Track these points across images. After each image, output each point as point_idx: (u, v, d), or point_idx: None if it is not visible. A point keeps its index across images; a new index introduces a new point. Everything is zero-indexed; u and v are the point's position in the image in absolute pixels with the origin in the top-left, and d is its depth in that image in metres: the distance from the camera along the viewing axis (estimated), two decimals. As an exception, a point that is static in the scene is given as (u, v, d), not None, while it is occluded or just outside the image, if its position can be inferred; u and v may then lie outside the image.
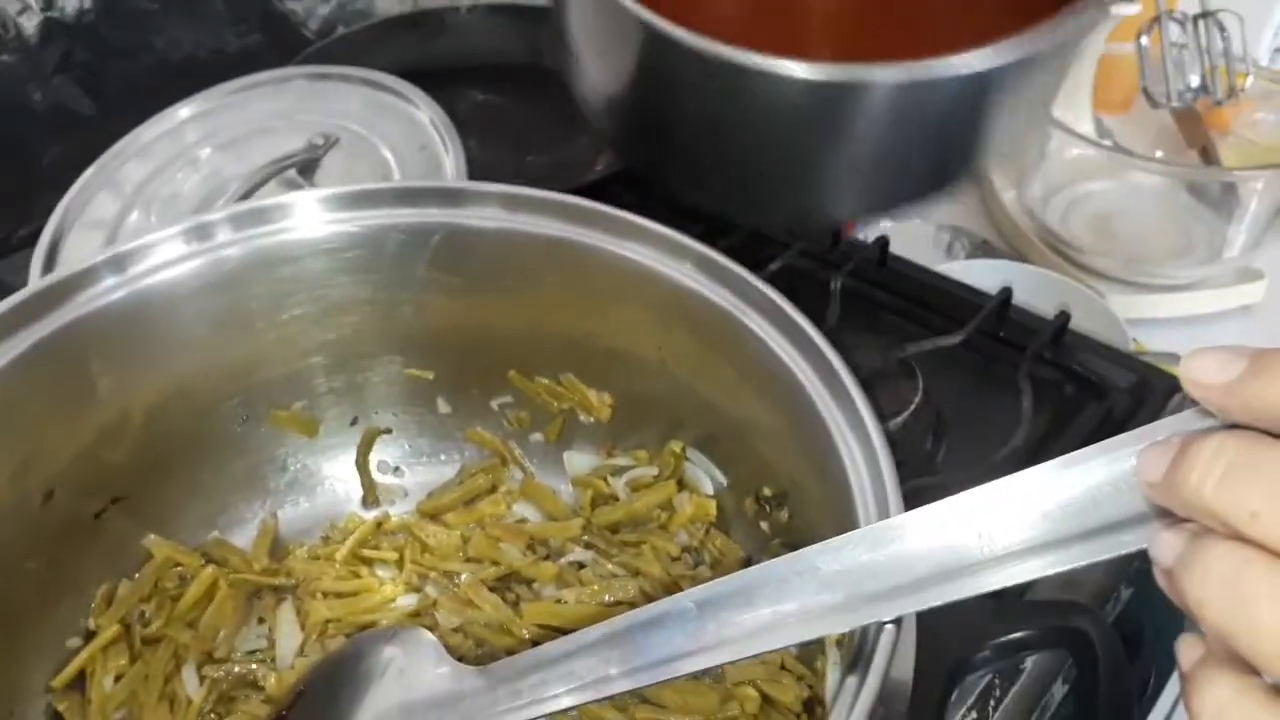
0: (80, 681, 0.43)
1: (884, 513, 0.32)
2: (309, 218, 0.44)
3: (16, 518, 0.40)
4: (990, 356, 0.62)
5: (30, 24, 0.73)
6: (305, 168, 0.67)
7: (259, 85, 0.72)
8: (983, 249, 0.87)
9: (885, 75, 0.41)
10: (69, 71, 0.76)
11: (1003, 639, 0.37)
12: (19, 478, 0.40)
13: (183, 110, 0.71)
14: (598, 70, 0.51)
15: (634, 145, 0.54)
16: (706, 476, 0.47)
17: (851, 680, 0.30)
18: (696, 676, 0.38)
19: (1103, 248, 0.79)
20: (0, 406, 0.39)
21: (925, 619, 0.31)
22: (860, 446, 0.34)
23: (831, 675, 0.35)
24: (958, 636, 0.32)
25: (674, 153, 0.51)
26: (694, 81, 0.45)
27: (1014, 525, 0.26)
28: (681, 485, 0.48)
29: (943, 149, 0.49)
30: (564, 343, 0.47)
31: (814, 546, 0.30)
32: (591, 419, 0.50)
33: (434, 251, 0.45)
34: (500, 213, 0.44)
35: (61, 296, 0.40)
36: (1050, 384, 0.60)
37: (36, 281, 0.39)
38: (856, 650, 0.30)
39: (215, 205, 0.62)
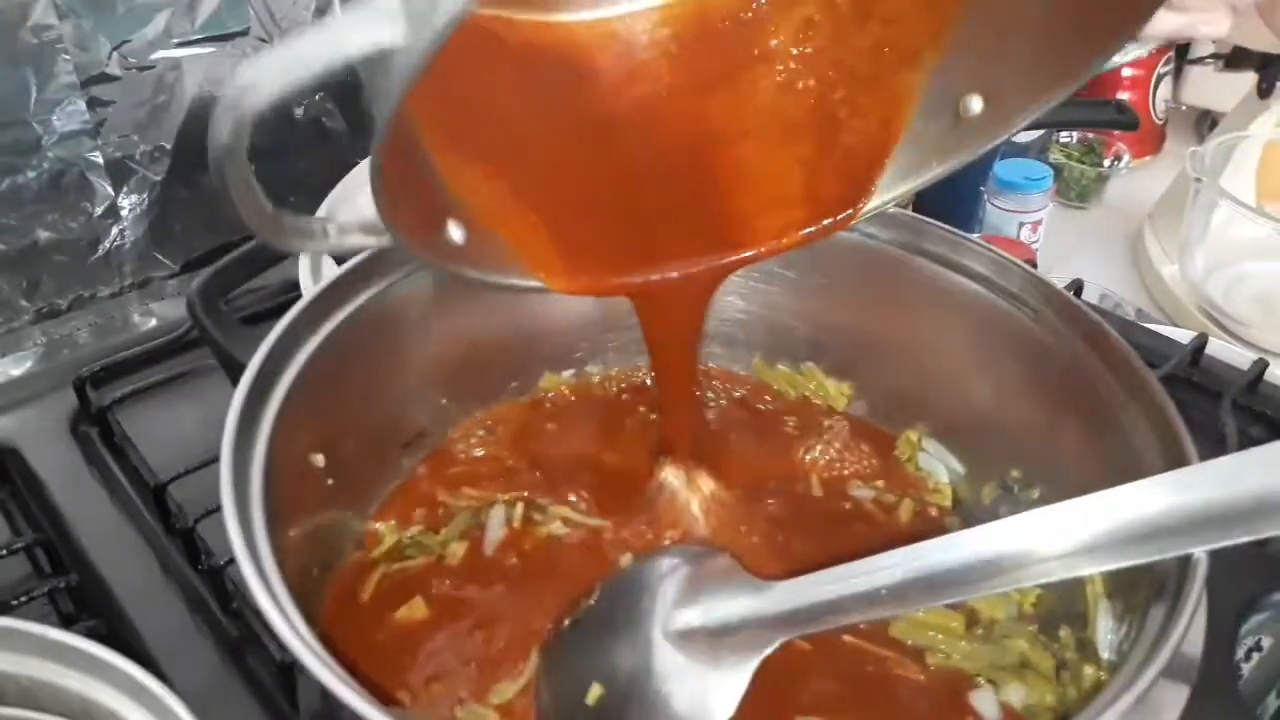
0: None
1: (1173, 465, 0.36)
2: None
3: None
4: (1182, 401, 0.64)
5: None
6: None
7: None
8: (1139, 318, 0.90)
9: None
10: (327, 89, 0.85)
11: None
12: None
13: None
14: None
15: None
16: (942, 465, 0.51)
17: (1157, 612, 0.33)
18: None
19: (1272, 324, 0.82)
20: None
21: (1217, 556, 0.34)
22: (1143, 413, 0.38)
23: (1103, 622, 0.38)
24: (1249, 574, 0.35)
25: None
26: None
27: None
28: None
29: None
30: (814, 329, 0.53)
31: (1111, 490, 0.34)
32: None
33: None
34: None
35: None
36: (1245, 432, 0.61)
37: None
38: (1159, 586, 0.34)
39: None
